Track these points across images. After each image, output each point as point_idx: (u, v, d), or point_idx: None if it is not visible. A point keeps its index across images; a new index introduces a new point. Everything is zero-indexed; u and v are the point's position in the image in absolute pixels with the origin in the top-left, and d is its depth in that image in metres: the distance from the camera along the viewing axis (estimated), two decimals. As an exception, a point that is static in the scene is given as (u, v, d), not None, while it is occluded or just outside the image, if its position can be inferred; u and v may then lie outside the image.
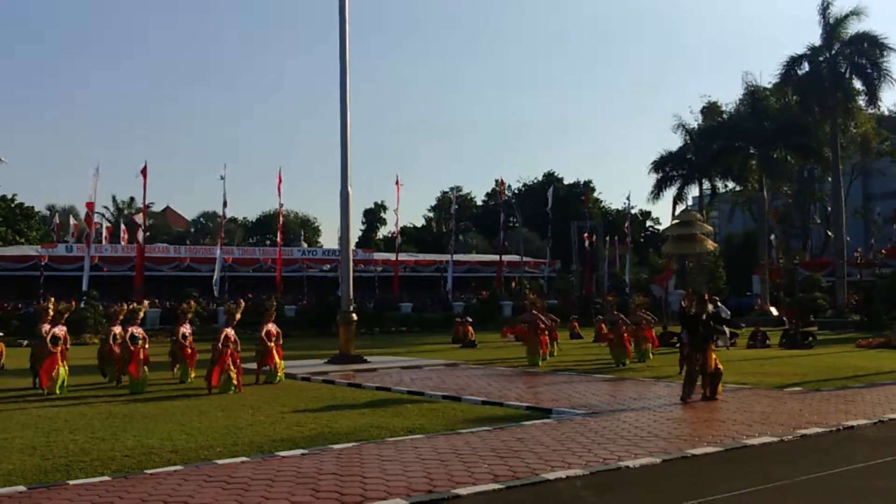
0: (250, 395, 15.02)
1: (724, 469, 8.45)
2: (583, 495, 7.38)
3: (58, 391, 15.36)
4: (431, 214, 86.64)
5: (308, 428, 11.05)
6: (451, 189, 65.63)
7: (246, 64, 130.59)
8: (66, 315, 16.95)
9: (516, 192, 78.88)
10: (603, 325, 28.97)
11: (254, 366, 17.23)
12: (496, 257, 54.54)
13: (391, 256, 52.24)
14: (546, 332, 22.17)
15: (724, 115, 50.14)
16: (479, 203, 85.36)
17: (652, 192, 49.50)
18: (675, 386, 14.85)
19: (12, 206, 60.91)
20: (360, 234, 77.91)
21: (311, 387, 16.55)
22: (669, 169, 49.08)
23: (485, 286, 55.33)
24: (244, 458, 8.93)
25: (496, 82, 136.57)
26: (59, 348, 15.84)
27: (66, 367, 15.90)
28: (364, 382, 16.65)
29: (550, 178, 77.33)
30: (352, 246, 26.65)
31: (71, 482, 7.87)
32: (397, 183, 47.71)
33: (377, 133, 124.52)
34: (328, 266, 51.85)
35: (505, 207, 55.31)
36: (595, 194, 78.35)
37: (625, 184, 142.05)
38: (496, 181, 59.95)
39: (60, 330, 16.27)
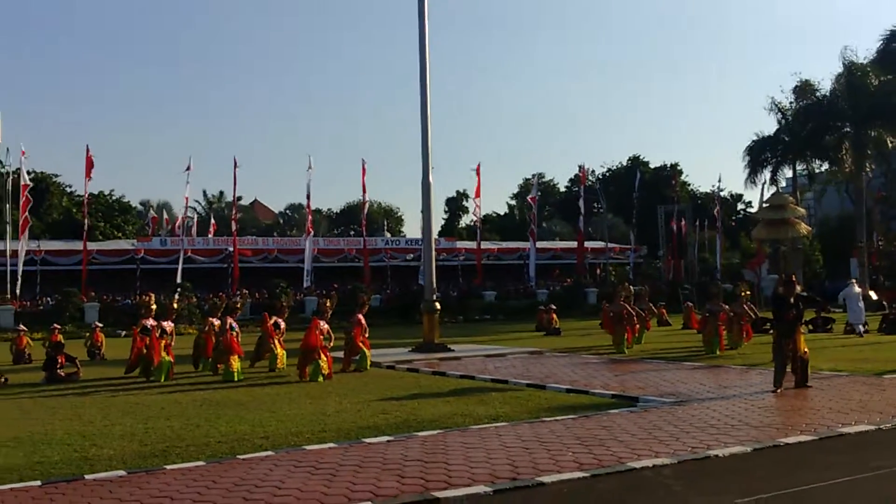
0: (337, 383, 15.30)
1: (818, 458, 8.17)
2: (670, 484, 7.24)
3: (162, 379, 16.07)
4: (514, 202, 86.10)
5: (393, 415, 11.18)
6: (533, 175, 65.16)
7: (329, 57, 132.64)
8: (179, 310, 17.74)
9: (601, 177, 77.60)
10: (693, 312, 28.42)
11: (341, 354, 17.56)
12: (580, 244, 53.95)
13: (474, 245, 52.28)
14: (636, 322, 21.95)
15: (818, 94, 48.18)
16: (563, 189, 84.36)
17: (748, 176, 47.74)
18: (767, 374, 14.41)
19: (111, 201, 63.24)
20: (442, 222, 78.16)
21: (395, 375, 16.76)
22: (762, 151, 47.45)
23: (569, 273, 54.83)
24: (332, 444, 9.10)
25: (580, 67, 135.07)
26: (164, 341, 16.59)
27: (172, 358, 16.70)
28: (448, 371, 16.77)
29: (636, 162, 75.86)
30: (434, 235, 26.78)
31: (168, 467, 8.16)
32: (478, 171, 47.65)
33: (459, 122, 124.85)
34: (411, 255, 52.24)
35: (588, 193, 54.54)
36: (682, 177, 76.35)
37: (714, 166, 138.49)
38: (579, 167, 59.18)
39: (169, 326, 17.12)
